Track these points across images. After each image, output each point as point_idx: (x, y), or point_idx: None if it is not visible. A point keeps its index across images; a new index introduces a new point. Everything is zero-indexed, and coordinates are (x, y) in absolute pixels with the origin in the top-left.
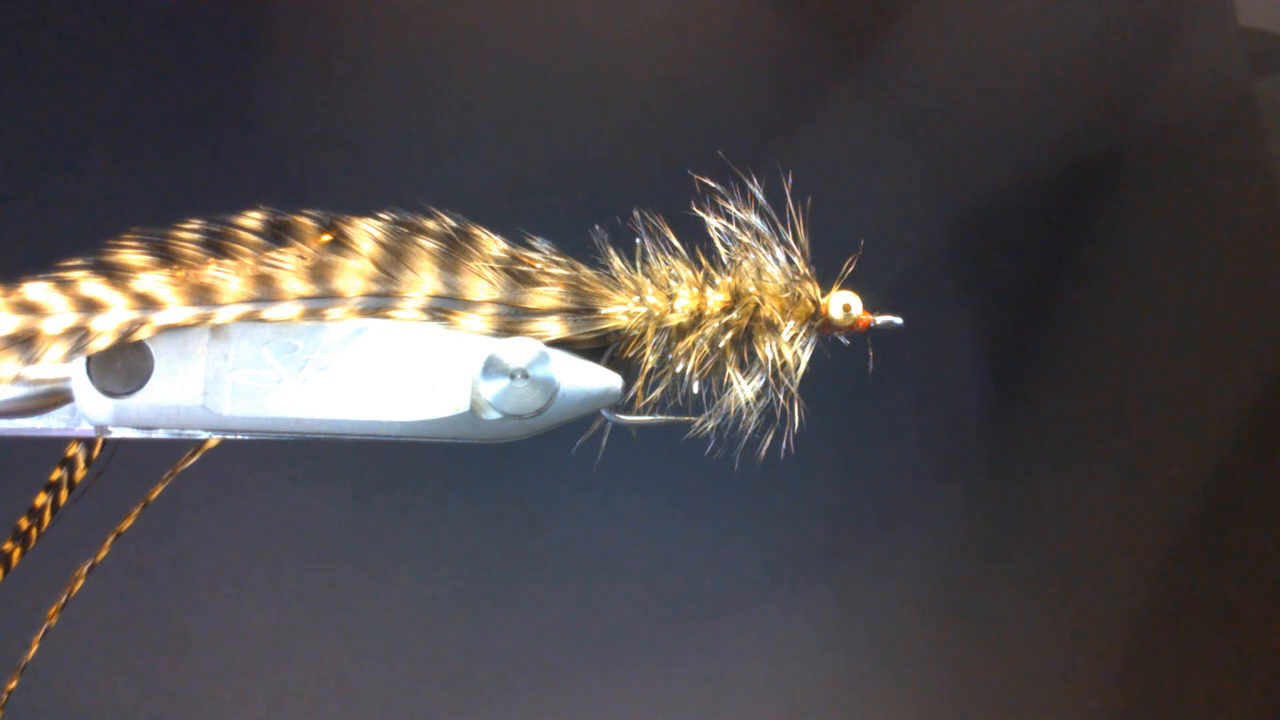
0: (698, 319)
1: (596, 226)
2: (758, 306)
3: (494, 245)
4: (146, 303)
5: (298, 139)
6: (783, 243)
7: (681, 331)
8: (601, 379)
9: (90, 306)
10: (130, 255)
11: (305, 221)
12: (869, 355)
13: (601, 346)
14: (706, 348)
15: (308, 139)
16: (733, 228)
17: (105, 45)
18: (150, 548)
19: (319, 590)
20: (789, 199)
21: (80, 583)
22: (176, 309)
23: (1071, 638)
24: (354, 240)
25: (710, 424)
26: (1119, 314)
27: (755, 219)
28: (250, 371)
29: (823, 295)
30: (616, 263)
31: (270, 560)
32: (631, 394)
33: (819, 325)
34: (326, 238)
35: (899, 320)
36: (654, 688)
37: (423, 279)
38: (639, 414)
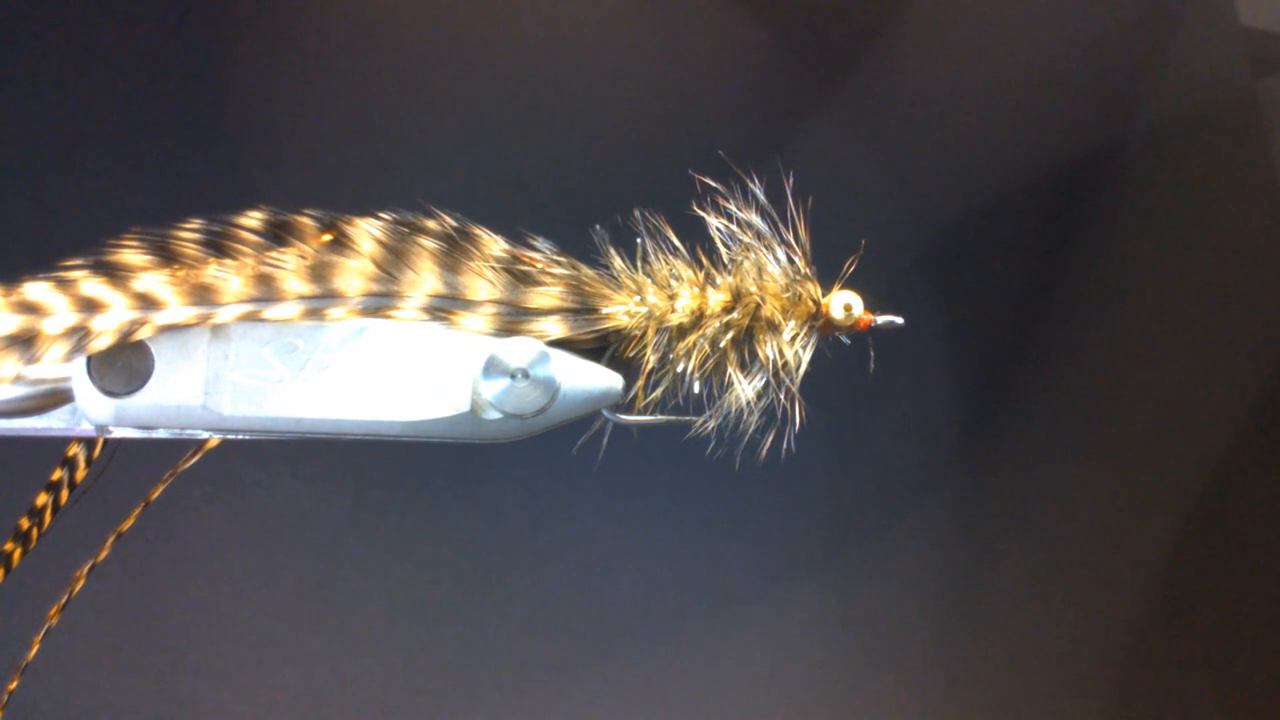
0: (699, 319)
1: (597, 226)
2: (759, 306)
3: (495, 245)
4: (147, 302)
5: (298, 139)
6: (783, 242)
7: (682, 331)
8: (602, 379)
9: (91, 306)
10: (131, 255)
11: (306, 221)
12: (869, 355)
13: (602, 346)
14: (707, 347)
15: (308, 139)
16: (733, 227)
17: (106, 45)
18: (150, 548)
19: (319, 590)
20: (789, 199)
21: (81, 583)
22: (177, 309)
23: (1071, 638)
24: (355, 240)
25: (711, 424)
26: (1119, 313)
27: (756, 218)
28: (251, 371)
29: (823, 295)
30: (617, 262)
31: (270, 560)
32: (632, 394)
33: (820, 325)
34: (327, 237)
35: (900, 320)
36: (653, 687)
37: (423, 279)
38: (640, 414)
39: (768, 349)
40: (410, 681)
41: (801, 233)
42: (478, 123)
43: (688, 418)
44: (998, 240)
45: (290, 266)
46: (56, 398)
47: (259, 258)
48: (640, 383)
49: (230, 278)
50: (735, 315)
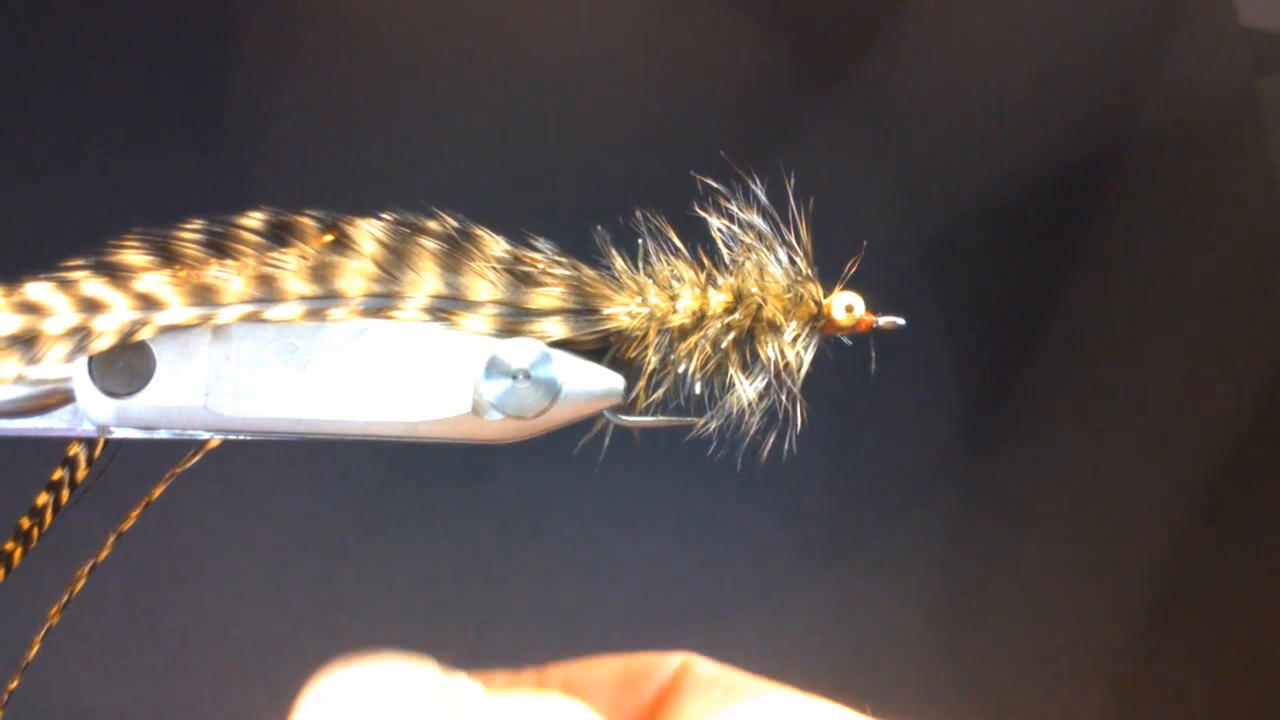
0: (700, 320)
1: (598, 227)
2: (760, 307)
3: (496, 245)
4: (148, 303)
5: (298, 139)
6: (785, 243)
7: (684, 332)
8: (604, 380)
9: (92, 307)
10: (132, 255)
11: (307, 221)
12: (870, 356)
13: (603, 347)
14: (709, 348)
15: (308, 139)
16: (735, 228)
17: (106, 45)
18: (150, 548)
19: (319, 590)
20: (791, 199)
21: (81, 582)
22: (178, 309)
23: (1072, 638)
24: (356, 240)
25: (712, 425)
26: (1119, 313)
27: (757, 219)
28: (252, 372)
29: (825, 296)
30: (619, 263)
31: (270, 560)
32: (634, 395)
33: (821, 326)
34: (328, 238)
35: (902, 320)
36: None
37: (425, 279)
38: (641, 415)
39: (769, 350)
40: None
41: (803, 233)
42: (479, 123)
43: (689, 419)
44: (999, 240)
45: (291, 267)
46: (58, 398)
47: (260, 258)
48: (641, 384)
49: (231, 278)
50: (737, 316)
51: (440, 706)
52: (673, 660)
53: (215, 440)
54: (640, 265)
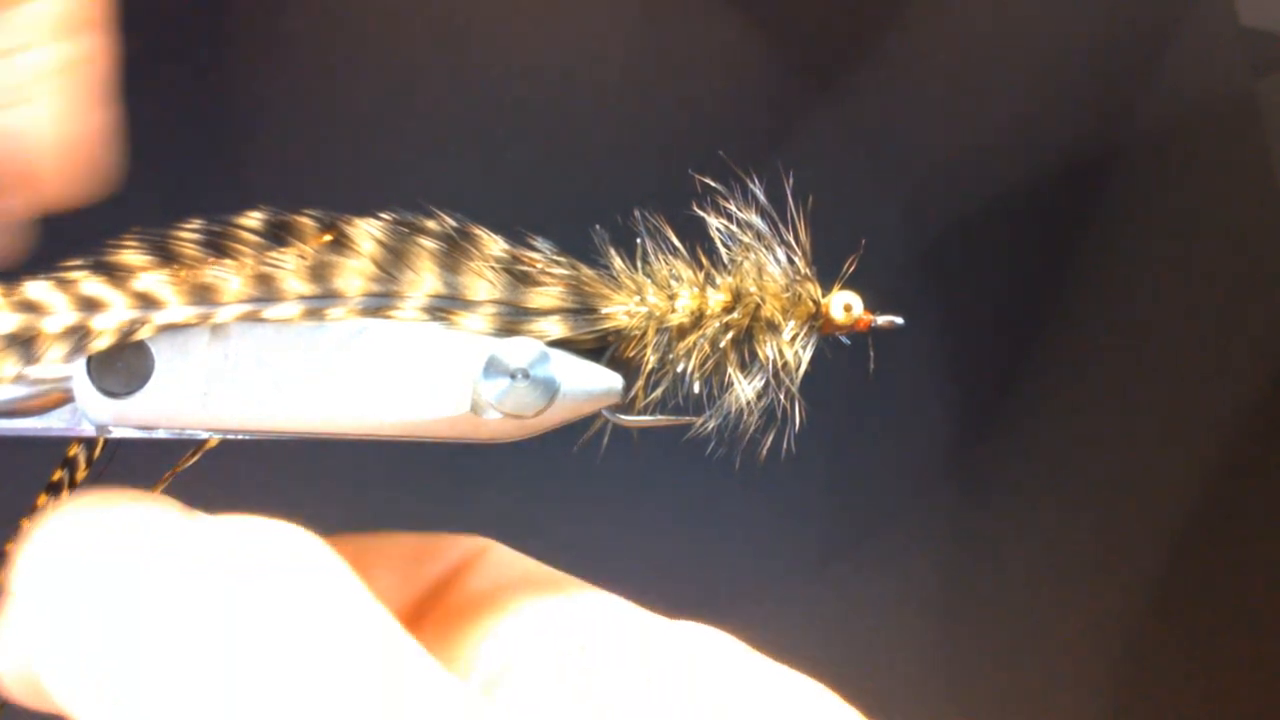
0: (699, 319)
1: (597, 226)
2: (759, 306)
3: (494, 245)
4: (147, 302)
5: (298, 139)
6: (783, 242)
7: (682, 331)
8: (602, 379)
9: (91, 306)
10: (131, 255)
11: (306, 221)
12: (869, 356)
13: (602, 347)
14: (707, 348)
15: (308, 139)
16: (733, 228)
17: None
18: None
19: None
20: (789, 199)
21: None
22: (177, 308)
23: (1071, 638)
24: (355, 240)
25: (711, 424)
26: (1118, 313)
27: (756, 219)
28: (251, 371)
29: (823, 295)
30: (617, 262)
31: None
32: (632, 394)
33: (820, 325)
34: (327, 237)
35: (900, 320)
36: None
37: (423, 279)
38: (640, 414)
39: (767, 349)
40: None
41: (802, 233)
42: (478, 123)
43: (688, 418)
44: (998, 240)
45: (290, 266)
46: (56, 398)
47: (259, 258)
48: (640, 383)
49: (230, 277)
50: (735, 315)
51: (159, 542)
52: (469, 542)
53: (214, 440)
54: (639, 265)
